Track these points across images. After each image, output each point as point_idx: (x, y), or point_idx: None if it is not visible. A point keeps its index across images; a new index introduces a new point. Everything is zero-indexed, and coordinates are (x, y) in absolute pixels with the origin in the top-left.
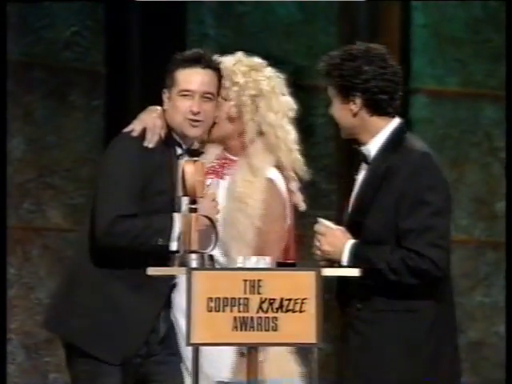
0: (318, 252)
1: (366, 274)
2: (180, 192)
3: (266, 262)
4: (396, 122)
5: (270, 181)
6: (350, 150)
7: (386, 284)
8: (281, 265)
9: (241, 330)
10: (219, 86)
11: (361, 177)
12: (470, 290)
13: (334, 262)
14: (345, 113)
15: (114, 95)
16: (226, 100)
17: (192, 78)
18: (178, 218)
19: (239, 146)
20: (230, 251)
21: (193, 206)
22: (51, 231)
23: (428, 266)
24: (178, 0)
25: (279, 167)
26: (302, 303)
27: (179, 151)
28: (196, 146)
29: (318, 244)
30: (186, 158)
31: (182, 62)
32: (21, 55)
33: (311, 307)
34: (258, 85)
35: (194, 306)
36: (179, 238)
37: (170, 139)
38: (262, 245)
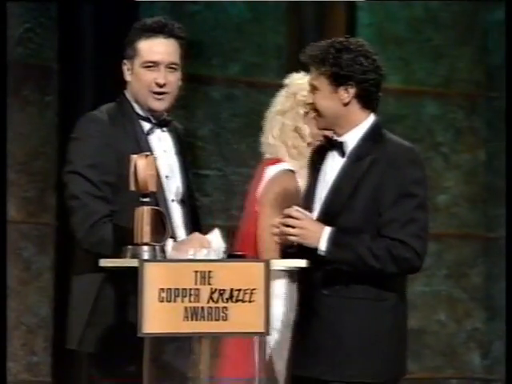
0: (293, 238)
1: (344, 261)
2: (132, 186)
3: (216, 253)
4: (373, 116)
5: None
6: None
7: (360, 271)
8: (231, 256)
9: (191, 319)
10: (183, 55)
11: (336, 167)
12: (411, 280)
13: (302, 248)
14: (333, 102)
15: (67, 91)
16: None
17: (156, 49)
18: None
19: None
20: None
21: (144, 200)
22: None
23: (411, 255)
24: None
25: None
26: (251, 293)
27: (147, 126)
28: (165, 116)
29: (291, 229)
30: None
31: (143, 32)
32: None
33: (260, 297)
34: None
35: (145, 297)
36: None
37: (134, 115)
38: None
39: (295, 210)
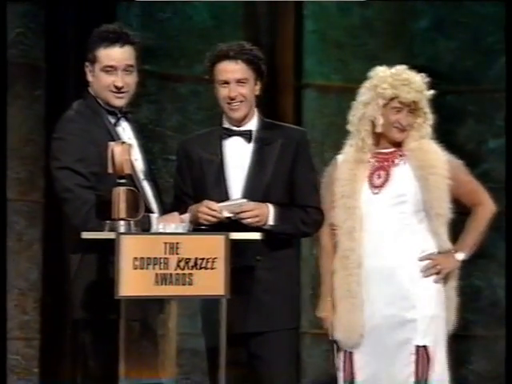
0: (254, 225)
1: (285, 232)
2: (110, 170)
3: (183, 227)
4: None
5: None
6: None
7: (291, 237)
8: (196, 230)
9: (161, 284)
10: (138, 56)
11: (243, 152)
12: None
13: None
14: (253, 94)
15: (53, 86)
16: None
17: (112, 56)
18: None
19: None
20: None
21: (121, 181)
22: None
23: (321, 217)
24: (110, 6)
25: None
26: (213, 262)
27: (112, 119)
28: (126, 109)
29: (249, 220)
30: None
31: (101, 41)
32: None
33: (220, 265)
34: None
35: (121, 265)
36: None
37: (101, 109)
38: None
39: (246, 204)
